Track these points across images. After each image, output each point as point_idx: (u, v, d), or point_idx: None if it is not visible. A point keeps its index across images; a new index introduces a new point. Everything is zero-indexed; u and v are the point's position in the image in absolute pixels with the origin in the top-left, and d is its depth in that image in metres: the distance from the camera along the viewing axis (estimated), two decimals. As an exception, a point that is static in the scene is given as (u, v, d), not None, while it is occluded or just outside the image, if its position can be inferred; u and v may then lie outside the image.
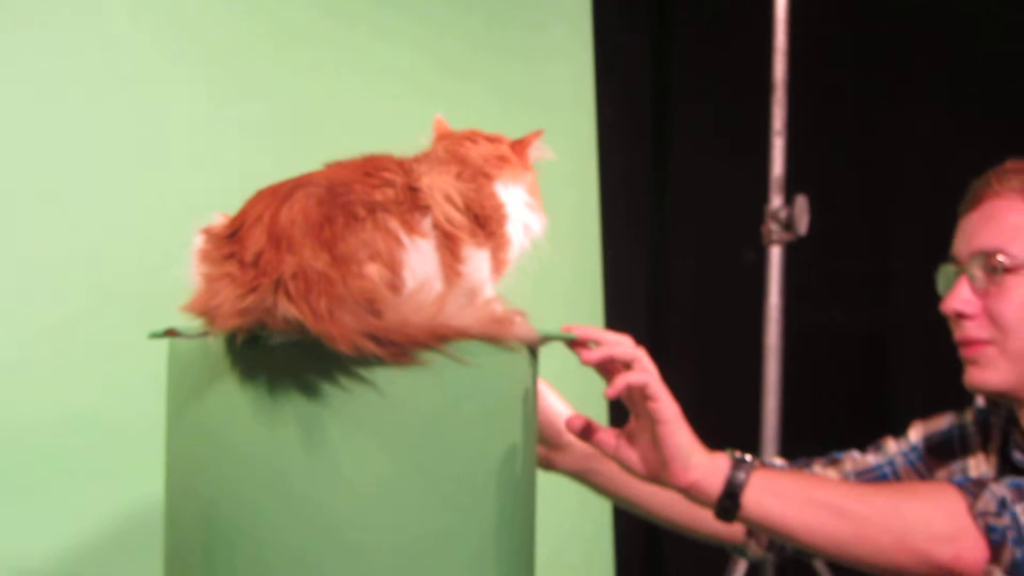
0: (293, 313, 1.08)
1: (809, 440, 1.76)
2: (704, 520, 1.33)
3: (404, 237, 1.16)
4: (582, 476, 1.54)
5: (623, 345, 1.27)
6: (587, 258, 2.72)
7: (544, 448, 1.49)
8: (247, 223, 1.14)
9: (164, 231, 1.62)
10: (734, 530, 1.53)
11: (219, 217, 1.18)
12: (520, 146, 1.33)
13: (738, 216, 2.42)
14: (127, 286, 1.81)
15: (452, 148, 1.29)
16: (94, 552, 1.80)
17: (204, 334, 1.15)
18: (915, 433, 1.63)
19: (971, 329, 1.44)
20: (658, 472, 1.29)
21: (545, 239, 1.32)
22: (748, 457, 1.28)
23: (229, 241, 1.14)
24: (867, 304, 2.74)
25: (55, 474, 1.76)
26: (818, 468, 1.63)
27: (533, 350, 1.26)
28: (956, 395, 1.58)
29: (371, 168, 1.21)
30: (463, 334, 1.15)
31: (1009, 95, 2.47)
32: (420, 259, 1.17)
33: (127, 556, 1.78)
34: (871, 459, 1.62)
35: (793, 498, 1.27)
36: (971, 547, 1.25)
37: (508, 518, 1.22)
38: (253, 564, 1.14)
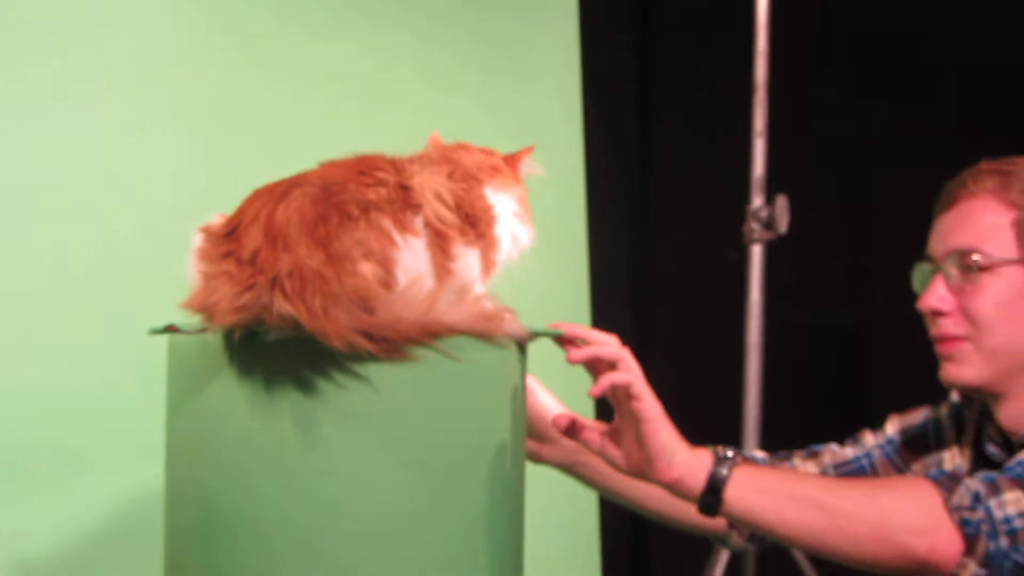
0: (288, 310, 1.08)
1: (789, 434, 1.77)
2: (688, 512, 1.33)
3: (396, 236, 1.16)
4: (570, 468, 1.54)
5: (609, 345, 1.27)
6: (573, 256, 2.72)
7: (533, 441, 1.49)
8: (244, 222, 1.14)
9: (164, 230, 1.63)
10: (717, 521, 1.54)
11: (217, 217, 1.19)
12: (511, 160, 1.33)
13: (720, 216, 2.43)
14: (128, 283, 1.81)
15: (445, 152, 1.30)
16: (96, 539, 1.80)
17: (203, 330, 1.15)
18: (892, 426, 1.63)
19: (947, 326, 1.45)
20: (643, 468, 1.29)
21: (532, 251, 1.31)
22: (730, 453, 1.28)
23: (227, 239, 1.14)
24: (846, 302, 2.75)
25: (58, 465, 1.75)
26: (798, 461, 1.63)
27: (522, 346, 1.26)
28: (932, 390, 1.59)
29: (365, 167, 1.21)
30: (454, 330, 1.15)
31: (983, 97, 2.48)
32: (412, 257, 1.17)
33: (129, 543, 1.78)
34: (849, 452, 1.63)
35: (773, 493, 1.27)
36: (946, 540, 1.25)
37: (497, 509, 1.22)
38: (253, 548, 1.14)
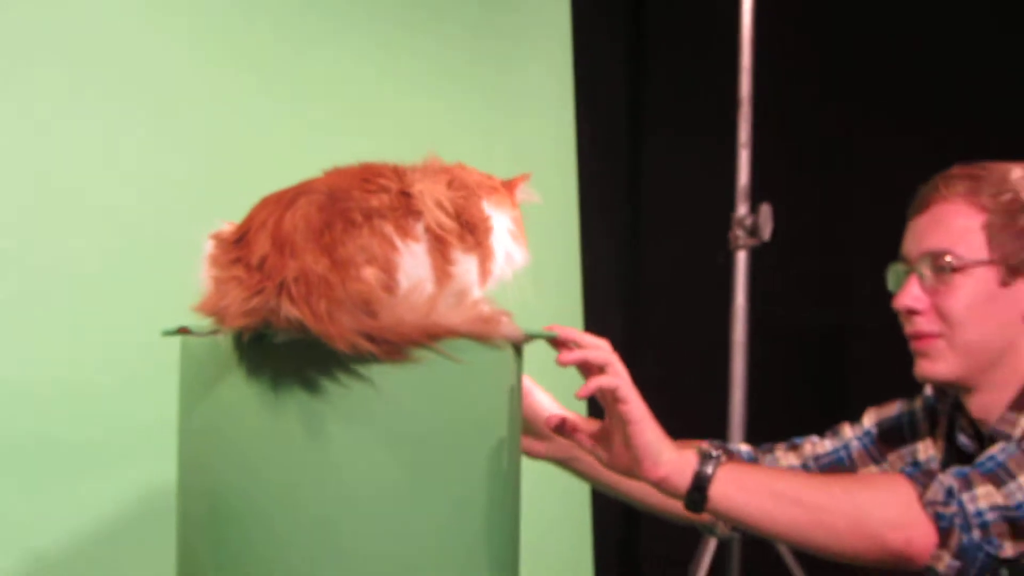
0: (295, 314, 1.08)
1: (773, 430, 1.76)
2: (676, 505, 1.33)
3: (398, 241, 1.15)
4: (564, 463, 1.54)
5: (599, 350, 1.27)
6: (567, 260, 2.72)
7: (530, 438, 1.49)
8: (253, 228, 1.13)
9: (176, 235, 1.63)
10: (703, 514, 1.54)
11: (226, 224, 1.18)
12: (508, 185, 1.33)
13: (707, 223, 2.43)
14: (141, 286, 1.81)
15: (445, 166, 1.29)
16: (109, 530, 1.80)
17: (214, 332, 1.15)
18: (868, 419, 1.63)
19: (921, 324, 1.45)
20: (631, 467, 1.29)
21: (527, 268, 1.30)
22: (715, 452, 1.28)
23: (236, 246, 1.14)
24: (827, 304, 2.75)
25: (73, 458, 1.75)
26: (780, 453, 1.63)
27: (518, 348, 1.26)
28: (907, 387, 1.59)
29: (368, 174, 1.20)
30: (453, 333, 1.15)
31: (955, 109, 2.48)
32: (413, 262, 1.16)
33: (141, 533, 1.78)
34: (828, 444, 1.63)
35: (756, 491, 1.27)
36: (921, 533, 1.25)
37: (494, 501, 1.22)
38: (261, 536, 1.14)
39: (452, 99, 2.38)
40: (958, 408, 1.52)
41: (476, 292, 1.25)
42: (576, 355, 1.26)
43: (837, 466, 1.61)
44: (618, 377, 1.26)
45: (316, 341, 1.08)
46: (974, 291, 1.42)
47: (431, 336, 1.13)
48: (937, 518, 1.25)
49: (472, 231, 1.24)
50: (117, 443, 1.78)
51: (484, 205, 1.27)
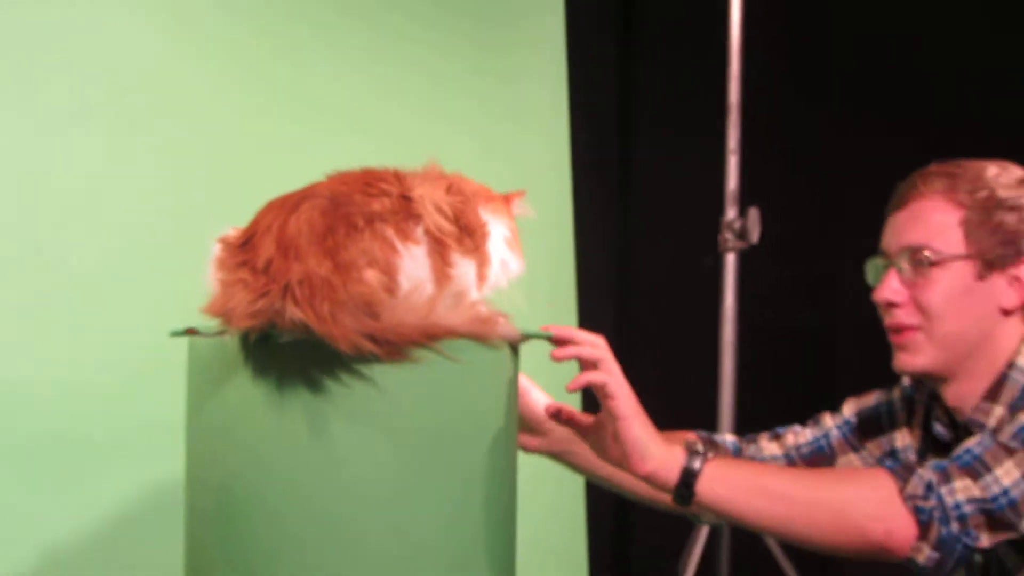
0: (299, 316, 1.08)
1: (761, 427, 1.76)
2: (665, 496, 1.33)
3: (399, 245, 1.15)
4: (559, 457, 1.55)
5: (595, 347, 1.27)
6: (562, 263, 2.72)
7: (525, 433, 1.50)
8: (258, 232, 1.14)
9: (183, 241, 1.63)
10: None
11: (232, 229, 1.18)
12: (504, 199, 1.33)
13: (697, 226, 2.43)
14: (149, 288, 1.81)
15: (445, 173, 1.29)
16: (120, 522, 1.80)
17: (220, 333, 1.15)
18: (848, 409, 1.64)
19: (900, 316, 1.45)
20: (621, 460, 1.29)
21: (523, 276, 1.30)
22: (701, 447, 1.28)
23: (242, 249, 1.14)
24: (812, 305, 2.75)
25: (85, 454, 1.75)
26: (764, 442, 1.64)
27: (515, 347, 1.26)
28: (889, 382, 1.60)
29: (370, 179, 1.21)
30: (452, 333, 1.15)
31: (941, 113, 2.49)
32: (413, 265, 1.17)
33: (151, 525, 1.78)
34: (809, 433, 1.63)
35: (742, 487, 1.28)
36: (902, 526, 1.26)
37: (492, 493, 1.22)
38: (267, 528, 1.14)
39: (451, 109, 2.38)
40: (935, 398, 1.52)
41: (474, 294, 1.25)
42: (569, 351, 1.27)
43: (818, 454, 1.61)
44: (609, 374, 1.26)
45: (320, 342, 1.08)
46: (951, 284, 1.42)
47: (431, 336, 1.13)
48: (917, 512, 1.26)
49: (470, 235, 1.24)
50: (127, 440, 1.78)
51: (481, 212, 1.27)
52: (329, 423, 1.13)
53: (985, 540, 1.27)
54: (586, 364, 1.28)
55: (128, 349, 1.77)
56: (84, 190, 1.79)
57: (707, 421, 2.32)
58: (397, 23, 2.30)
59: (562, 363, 1.29)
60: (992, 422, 1.40)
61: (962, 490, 1.27)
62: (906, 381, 1.60)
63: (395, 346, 1.11)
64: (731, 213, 2.29)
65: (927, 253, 1.42)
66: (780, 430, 1.65)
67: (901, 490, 1.27)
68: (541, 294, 2.55)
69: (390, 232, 1.15)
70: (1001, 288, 1.42)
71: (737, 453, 1.62)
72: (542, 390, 1.50)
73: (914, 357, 1.45)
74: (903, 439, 1.59)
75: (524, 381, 1.45)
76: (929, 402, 1.55)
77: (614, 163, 2.93)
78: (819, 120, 2.69)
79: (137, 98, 1.87)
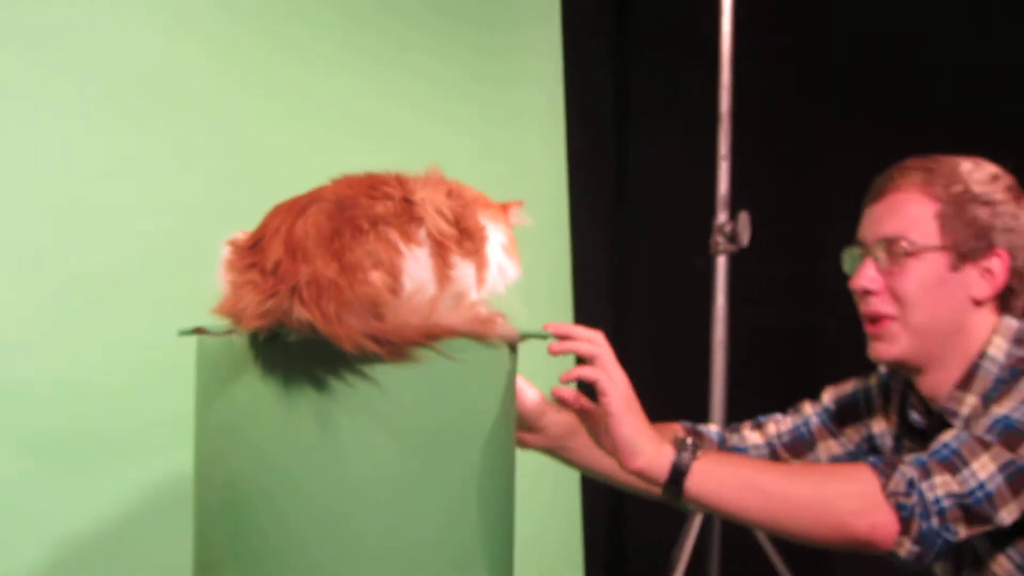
0: (305, 316, 1.08)
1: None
2: (655, 488, 1.34)
3: (402, 246, 1.16)
4: (555, 452, 1.55)
5: (592, 343, 1.28)
6: (559, 265, 2.72)
7: (522, 430, 1.50)
8: (267, 235, 1.14)
9: (192, 246, 1.63)
10: None
11: (240, 233, 1.18)
12: (502, 207, 1.33)
13: (690, 229, 2.43)
14: (162, 291, 1.81)
15: (445, 179, 1.29)
16: (131, 517, 1.80)
17: (229, 332, 1.15)
18: (827, 396, 1.65)
19: (876, 304, 1.46)
20: (614, 452, 1.30)
21: (522, 278, 1.30)
22: (689, 440, 1.28)
23: (251, 252, 1.14)
24: (801, 305, 2.75)
25: (97, 450, 1.75)
26: (746, 431, 1.65)
27: (513, 347, 1.26)
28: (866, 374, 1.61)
29: (373, 183, 1.21)
30: (452, 332, 1.15)
31: (928, 122, 2.49)
32: (416, 266, 1.17)
33: (160, 520, 1.78)
34: (790, 421, 1.65)
35: (730, 484, 1.28)
36: (884, 522, 1.27)
37: (490, 487, 1.22)
38: (272, 523, 1.15)
39: (451, 113, 2.38)
40: (909, 386, 1.53)
41: (473, 296, 1.25)
42: (565, 346, 1.28)
43: (798, 441, 1.63)
44: (603, 370, 1.26)
45: (325, 341, 1.09)
46: (926, 274, 1.43)
47: (432, 336, 1.13)
48: (899, 508, 1.26)
49: (470, 238, 1.25)
50: (137, 437, 1.78)
51: (480, 216, 1.27)
52: (333, 421, 1.13)
53: (963, 533, 1.29)
54: (583, 359, 1.28)
55: (138, 348, 1.78)
56: (96, 195, 1.79)
57: (699, 416, 2.32)
58: (399, 30, 2.30)
59: (559, 363, 1.29)
60: (965, 411, 1.41)
61: (941, 485, 1.28)
62: (882, 369, 1.61)
63: (397, 347, 1.11)
64: (722, 217, 2.30)
65: (903, 244, 1.43)
66: (762, 419, 1.66)
67: (884, 486, 1.27)
68: (539, 294, 2.56)
69: (394, 234, 1.16)
70: (974, 279, 1.43)
71: (721, 443, 1.63)
72: (536, 389, 1.51)
73: (889, 346, 1.46)
74: (879, 425, 1.60)
75: (519, 380, 1.45)
76: (904, 390, 1.57)
77: (610, 166, 2.93)
78: (809, 126, 2.69)
79: (146, 103, 1.87)
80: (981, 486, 1.28)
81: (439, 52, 2.38)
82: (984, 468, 1.29)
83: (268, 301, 1.09)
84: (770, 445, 1.64)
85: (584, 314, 2.70)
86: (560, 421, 1.51)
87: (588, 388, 1.32)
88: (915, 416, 1.52)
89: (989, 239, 1.43)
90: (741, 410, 2.34)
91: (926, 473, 1.29)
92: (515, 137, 2.58)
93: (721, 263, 2.31)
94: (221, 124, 1.97)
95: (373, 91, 2.23)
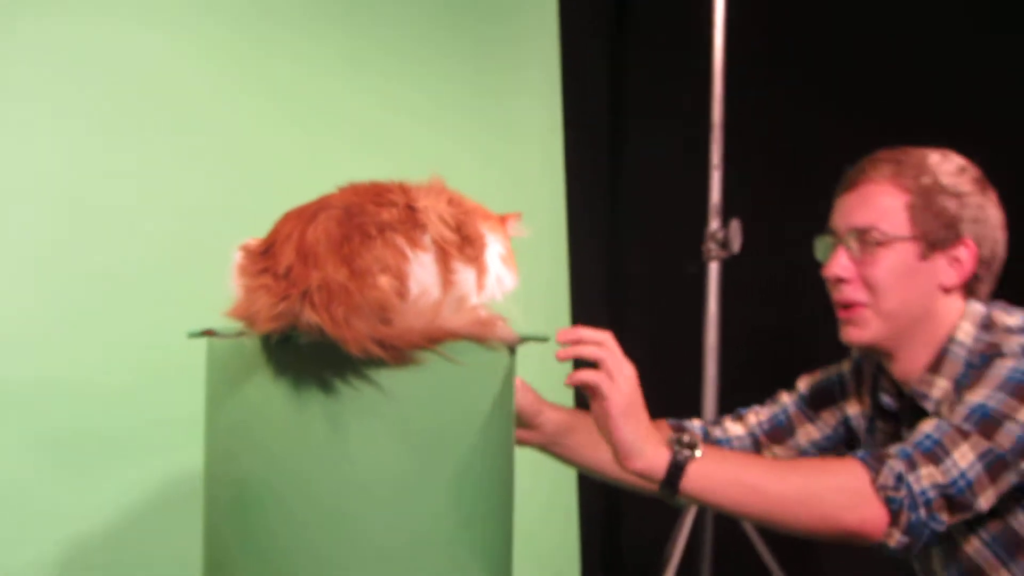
0: (315, 319, 1.09)
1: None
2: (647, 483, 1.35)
3: (409, 252, 1.17)
4: (550, 448, 1.56)
5: (599, 347, 1.26)
6: (557, 271, 2.73)
7: (519, 428, 1.50)
8: (278, 241, 1.14)
9: (201, 251, 1.64)
10: None
11: (250, 240, 1.19)
12: (500, 218, 1.33)
13: (683, 236, 2.44)
14: (172, 295, 1.81)
15: (446, 188, 1.30)
16: (142, 514, 1.80)
17: (238, 335, 1.16)
18: (803, 384, 1.67)
19: (848, 291, 1.47)
20: (613, 454, 1.30)
21: (521, 285, 1.31)
22: (686, 439, 1.28)
23: (263, 257, 1.15)
24: (789, 309, 2.76)
25: (109, 449, 1.76)
26: (728, 423, 1.66)
27: (512, 349, 1.27)
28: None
29: (378, 190, 1.22)
30: (455, 335, 1.16)
31: (914, 127, 2.48)
32: (422, 271, 1.18)
33: (171, 517, 1.78)
34: (768, 411, 1.66)
35: (724, 483, 1.29)
36: (874, 515, 1.28)
37: (491, 489, 1.23)
38: (280, 519, 1.15)
39: (452, 126, 2.39)
40: (881, 370, 1.55)
41: (473, 300, 1.25)
42: (571, 351, 1.27)
43: (778, 428, 1.64)
44: (607, 374, 1.26)
45: (334, 344, 1.09)
46: (897, 263, 1.45)
47: (435, 340, 1.14)
48: (888, 502, 1.28)
49: (470, 244, 1.25)
50: (150, 435, 1.78)
51: (479, 224, 1.28)
52: (341, 422, 1.13)
53: (947, 520, 1.30)
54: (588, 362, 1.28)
55: (141, 349, 1.78)
56: (101, 197, 1.80)
57: (692, 416, 2.32)
58: (402, 44, 2.31)
59: (556, 362, 1.30)
60: (936, 393, 1.43)
61: (927, 477, 1.29)
62: (855, 354, 1.62)
63: (401, 351, 1.11)
64: (714, 224, 2.30)
65: (875, 234, 1.45)
66: (742, 411, 1.68)
67: (873, 481, 1.28)
68: (537, 300, 2.56)
69: (401, 240, 1.16)
70: (942, 268, 1.45)
71: (705, 436, 1.64)
72: (531, 387, 1.51)
73: (862, 331, 1.47)
74: (853, 408, 1.62)
75: (516, 380, 1.45)
76: (876, 373, 1.58)
77: (606, 176, 2.94)
78: (799, 136, 2.70)
79: (158, 112, 1.88)
80: (963, 475, 1.30)
81: (441, 66, 2.39)
82: (964, 457, 1.30)
83: (280, 304, 1.10)
84: (752, 434, 1.65)
85: (582, 319, 2.71)
86: (555, 419, 1.52)
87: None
88: (886, 399, 1.54)
89: (957, 229, 1.44)
90: (730, 407, 2.35)
91: (912, 465, 1.30)
92: (514, 148, 2.58)
93: (713, 269, 2.31)
94: (226, 131, 1.98)
95: (376, 102, 2.24)
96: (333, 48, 2.18)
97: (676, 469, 1.27)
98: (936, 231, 1.44)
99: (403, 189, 1.23)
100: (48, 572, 1.69)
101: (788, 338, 2.76)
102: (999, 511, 1.36)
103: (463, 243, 1.24)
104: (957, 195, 1.45)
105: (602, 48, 2.95)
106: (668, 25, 2.79)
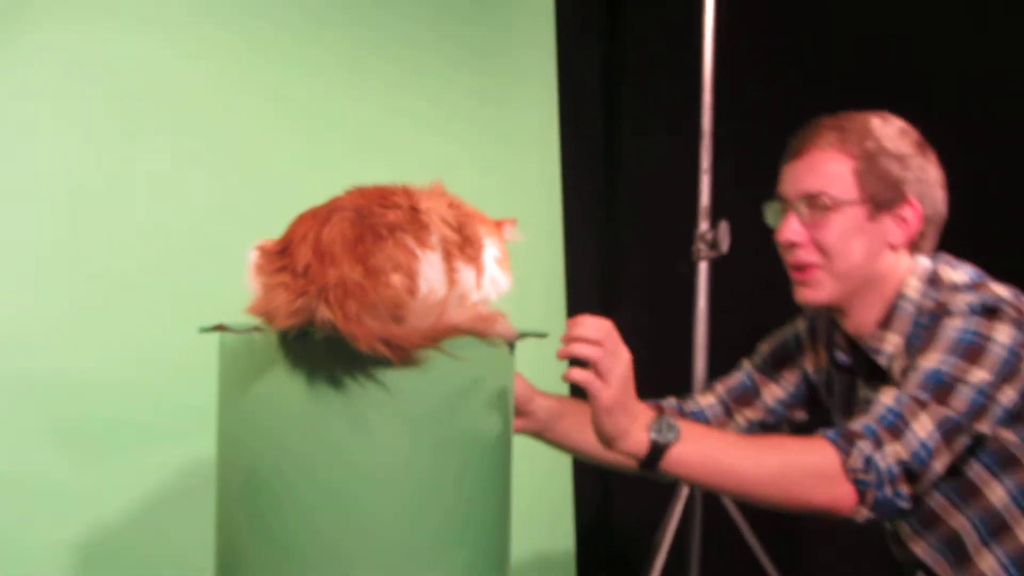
0: (328, 316, 1.09)
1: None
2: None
3: (418, 251, 1.18)
4: (542, 434, 1.57)
5: (594, 348, 1.26)
6: (553, 268, 2.73)
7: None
8: (295, 240, 1.15)
9: (213, 250, 1.65)
10: None
11: (263, 240, 1.19)
12: (496, 223, 1.34)
13: (674, 237, 2.44)
14: (187, 291, 1.82)
15: (446, 192, 1.30)
16: (157, 499, 1.81)
17: (250, 330, 1.16)
18: (763, 347, 1.70)
19: (801, 255, 1.49)
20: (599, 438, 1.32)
21: (518, 284, 1.32)
22: (665, 422, 1.29)
23: (280, 256, 1.15)
24: (774, 308, 2.76)
25: (125, 437, 1.76)
26: (699, 396, 1.69)
27: (512, 345, 1.28)
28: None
29: (384, 193, 1.23)
30: (458, 329, 1.17)
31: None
32: (431, 269, 1.19)
33: (185, 502, 1.79)
34: (734, 378, 1.69)
35: (700, 466, 1.31)
36: (844, 494, 1.30)
37: (490, 469, 1.25)
38: (288, 504, 1.16)
39: (452, 132, 2.39)
40: (834, 326, 1.56)
41: (474, 297, 1.26)
42: (567, 350, 1.27)
43: (744, 392, 1.67)
44: (592, 376, 1.26)
45: (344, 340, 1.10)
46: (846, 226, 1.46)
47: (440, 336, 1.15)
48: (857, 483, 1.30)
49: (470, 244, 1.26)
50: (166, 424, 1.79)
51: (477, 226, 1.29)
52: (347, 412, 1.14)
53: (908, 492, 1.32)
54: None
55: (166, 344, 1.79)
56: (119, 201, 1.80)
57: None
58: (404, 54, 2.31)
59: (548, 353, 1.30)
60: (888, 348, 1.45)
61: (892, 454, 1.31)
62: (808, 312, 1.63)
63: (405, 351, 1.12)
64: (703, 226, 2.31)
65: (824, 199, 1.46)
66: (712, 383, 1.71)
67: (843, 463, 1.30)
68: (534, 298, 2.56)
69: (410, 240, 1.17)
70: (890, 227, 1.47)
71: (680, 411, 1.66)
72: (523, 377, 1.52)
73: (816, 292, 1.49)
74: (811, 363, 1.64)
75: None
76: (829, 329, 1.59)
77: (600, 179, 2.94)
78: (788, 140, 2.69)
79: (170, 119, 1.89)
80: (923, 445, 1.32)
81: (441, 73, 2.39)
82: (923, 427, 1.32)
83: (299, 300, 1.11)
84: (722, 402, 1.67)
85: (576, 315, 2.70)
86: (546, 406, 1.53)
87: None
88: (842, 356, 1.55)
89: (901, 190, 1.46)
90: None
91: (878, 444, 1.32)
92: (512, 153, 2.59)
93: (703, 269, 2.31)
94: (236, 138, 1.99)
95: (377, 108, 2.24)
96: (336, 56, 2.19)
97: (655, 453, 1.29)
98: (882, 193, 1.46)
99: (407, 192, 1.24)
100: (69, 555, 1.70)
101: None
102: (954, 462, 1.39)
103: (464, 243, 1.25)
104: (900, 157, 1.46)
105: (597, 59, 2.96)
106: (661, 34, 2.79)
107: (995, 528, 1.42)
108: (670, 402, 1.69)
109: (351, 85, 2.20)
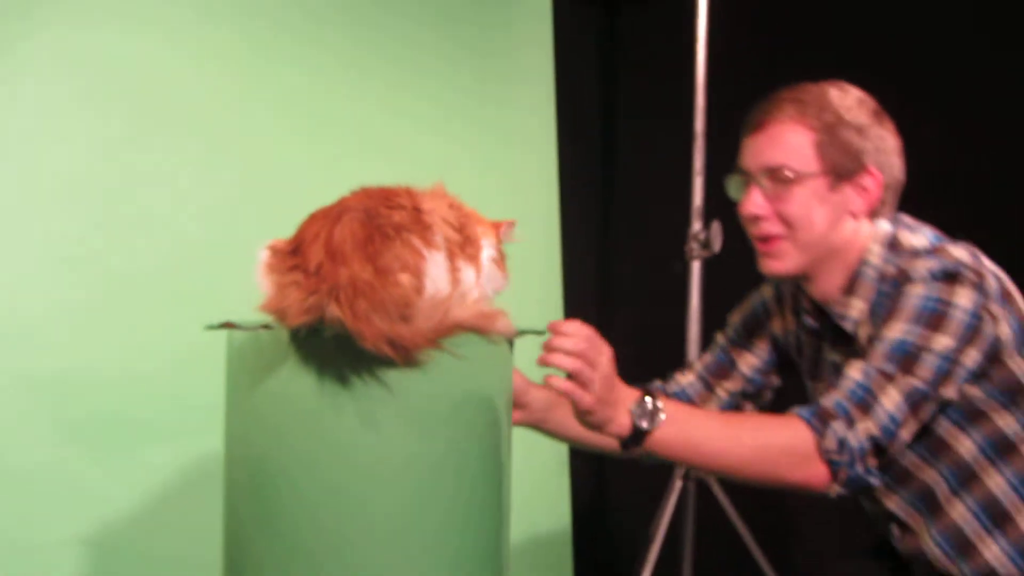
0: (337, 314, 1.10)
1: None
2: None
3: (424, 251, 1.18)
4: (537, 425, 1.58)
5: (572, 360, 1.25)
6: (550, 266, 2.73)
7: None
8: (307, 240, 1.16)
9: (222, 250, 1.65)
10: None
11: (276, 241, 1.20)
12: (494, 224, 1.34)
13: (668, 237, 2.44)
14: (196, 290, 1.82)
15: (447, 194, 1.31)
16: (165, 493, 1.81)
17: (257, 327, 1.16)
18: (733, 318, 1.70)
19: (765, 227, 1.49)
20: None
21: (515, 283, 1.33)
22: (648, 406, 1.30)
23: (292, 255, 1.16)
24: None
25: (134, 433, 1.77)
26: (678, 376, 1.70)
27: (511, 342, 1.29)
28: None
29: (388, 194, 1.23)
30: (461, 326, 1.18)
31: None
32: (436, 268, 1.20)
33: (192, 496, 1.79)
34: (710, 354, 1.70)
35: (681, 448, 1.33)
36: (818, 473, 1.33)
37: (490, 461, 1.25)
38: (291, 498, 1.16)
39: (452, 133, 2.39)
40: (800, 291, 1.57)
41: (474, 295, 1.26)
42: (548, 358, 1.27)
43: (721, 366, 1.67)
44: (573, 386, 1.26)
45: (352, 338, 1.10)
46: (808, 198, 1.47)
47: (445, 333, 1.15)
48: (831, 464, 1.32)
49: (471, 244, 1.27)
50: (176, 420, 1.80)
51: (476, 227, 1.29)
52: (352, 409, 1.15)
53: (875, 465, 1.35)
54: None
55: (174, 341, 1.79)
56: (136, 202, 1.80)
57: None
58: (406, 56, 2.32)
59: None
60: (853, 313, 1.47)
61: (863, 431, 1.34)
62: (773, 279, 1.63)
63: (409, 352, 1.13)
64: (696, 226, 2.31)
65: (786, 172, 1.47)
66: (690, 361, 1.74)
67: (818, 444, 1.32)
68: (533, 295, 2.57)
69: (417, 240, 1.18)
70: (851, 197, 1.47)
71: (663, 391, 1.67)
72: (518, 370, 1.52)
73: (781, 262, 1.50)
74: (779, 328, 1.65)
75: None
76: (796, 294, 1.60)
77: (597, 180, 2.94)
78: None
79: (172, 119, 1.89)
80: (892, 418, 1.34)
81: (441, 76, 2.39)
82: (891, 400, 1.34)
83: (310, 298, 1.11)
84: (701, 379, 1.69)
85: (573, 315, 2.69)
86: (540, 397, 1.54)
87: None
88: (809, 321, 1.57)
89: (861, 160, 1.47)
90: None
91: (850, 422, 1.34)
92: (511, 153, 2.59)
93: (696, 268, 2.32)
94: (236, 138, 2.00)
95: (378, 109, 2.25)
96: (336, 56, 2.19)
97: (638, 437, 1.30)
98: (842, 163, 1.46)
99: (409, 193, 1.25)
100: (77, 551, 1.70)
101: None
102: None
103: (465, 243, 1.25)
104: (859, 128, 1.47)
105: (594, 61, 2.95)
106: (657, 37, 2.78)
107: (964, 478, 1.44)
108: (656, 385, 1.70)
109: (351, 85, 2.20)
